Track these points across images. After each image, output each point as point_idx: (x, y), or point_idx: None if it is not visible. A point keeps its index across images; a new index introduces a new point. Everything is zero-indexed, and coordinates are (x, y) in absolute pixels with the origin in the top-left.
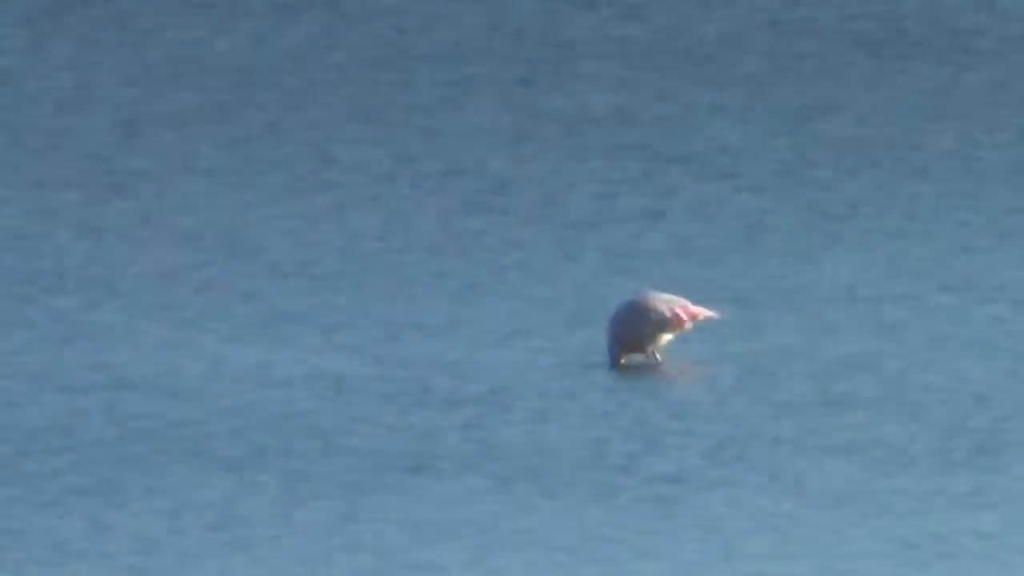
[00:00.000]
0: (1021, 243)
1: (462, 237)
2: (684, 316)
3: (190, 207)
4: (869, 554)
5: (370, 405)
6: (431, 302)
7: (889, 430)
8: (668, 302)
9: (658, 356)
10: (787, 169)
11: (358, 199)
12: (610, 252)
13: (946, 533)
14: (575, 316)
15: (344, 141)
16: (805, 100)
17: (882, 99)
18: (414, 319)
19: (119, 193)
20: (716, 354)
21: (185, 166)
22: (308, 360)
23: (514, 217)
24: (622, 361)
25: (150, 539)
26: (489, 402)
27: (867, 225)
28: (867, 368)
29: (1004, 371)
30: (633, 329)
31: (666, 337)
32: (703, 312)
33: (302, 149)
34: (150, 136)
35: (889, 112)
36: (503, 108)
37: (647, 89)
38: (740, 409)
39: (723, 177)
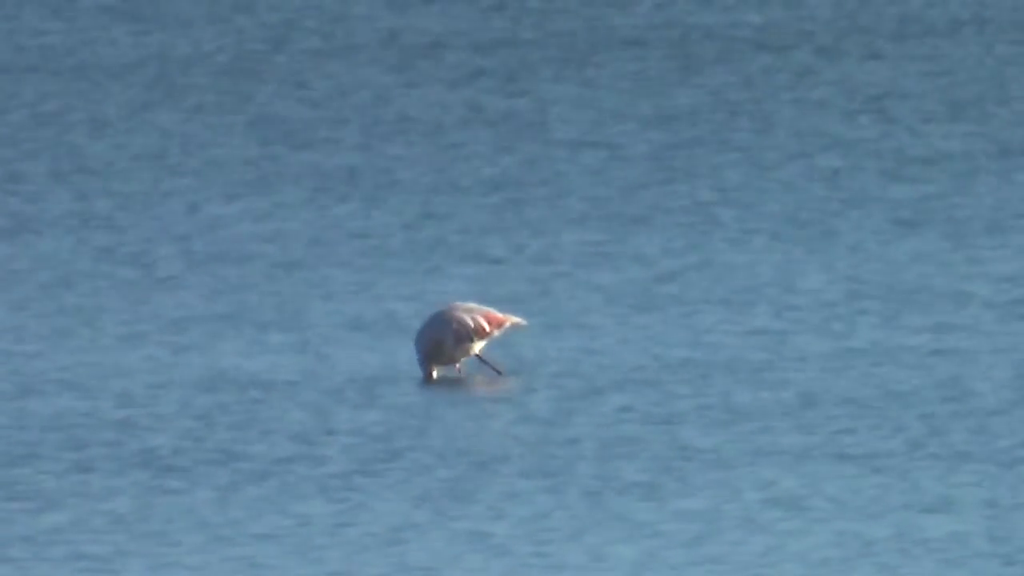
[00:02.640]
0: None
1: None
2: (487, 325)
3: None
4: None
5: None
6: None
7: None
8: (470, 311)
9: (491, 365)
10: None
11: None
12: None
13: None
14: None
15: None
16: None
17: None
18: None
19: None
20: (527, 361)
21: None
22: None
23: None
24: (434, 375)
25: (73, 543)
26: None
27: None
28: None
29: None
30: (437, 341)
31: (475, 347)
32: (510, 319)
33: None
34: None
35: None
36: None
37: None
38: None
39: None
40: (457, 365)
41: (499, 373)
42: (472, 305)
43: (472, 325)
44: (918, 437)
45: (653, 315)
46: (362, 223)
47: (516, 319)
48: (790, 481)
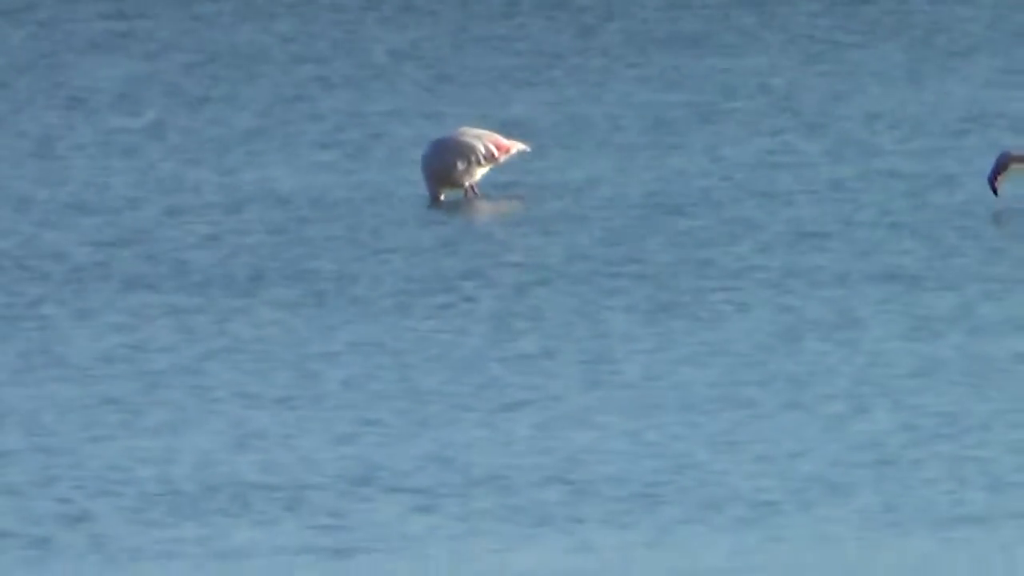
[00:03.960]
0: None
1: None
2: (496, 150)
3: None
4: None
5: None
6: None
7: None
8: (479, 136)
9: (475, 190)
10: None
11: None
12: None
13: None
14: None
15: None
16: None
17: None
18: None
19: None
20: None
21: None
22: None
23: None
24: (441, 197)
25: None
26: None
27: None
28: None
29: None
30: (446, 164)
31: (481, 171)
32: (516, 145)
33: None
34: None
35: None
36: None
37: None
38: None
39: None
40: (471, 186)
41: (475, 195)
42: (480, 131)
43: (483, 150)
44: (976, 260)
45: (716, 135)
46: (414, 43)
47: (521, 145)
48: (853, 301)
